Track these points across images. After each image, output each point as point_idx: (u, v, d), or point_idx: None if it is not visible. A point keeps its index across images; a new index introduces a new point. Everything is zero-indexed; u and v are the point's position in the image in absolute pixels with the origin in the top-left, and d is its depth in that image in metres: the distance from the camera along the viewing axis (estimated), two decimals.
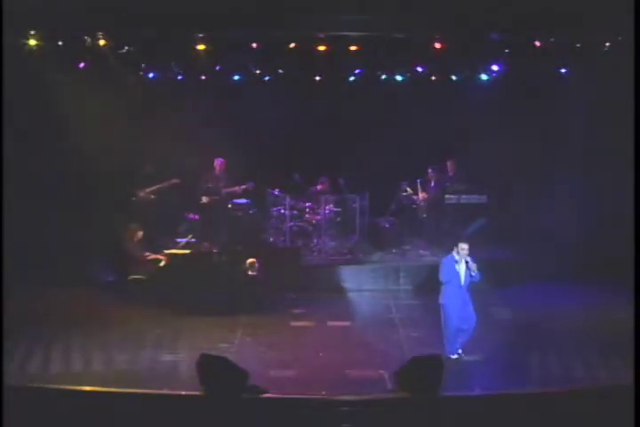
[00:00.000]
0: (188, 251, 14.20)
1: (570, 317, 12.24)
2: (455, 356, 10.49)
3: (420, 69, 15.18)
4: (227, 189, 15.69)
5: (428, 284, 13.88)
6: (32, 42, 13.20)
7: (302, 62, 14.40)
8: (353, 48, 13.82)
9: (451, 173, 15.97)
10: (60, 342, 10.99)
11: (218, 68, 14.99)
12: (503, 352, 10.75)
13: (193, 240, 14.83)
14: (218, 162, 15.72)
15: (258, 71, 15.19)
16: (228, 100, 15.91)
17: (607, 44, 13.56)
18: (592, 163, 15.07)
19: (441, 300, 10.47)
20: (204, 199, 15.65)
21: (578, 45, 13.77)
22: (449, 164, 15.97)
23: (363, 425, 7.97)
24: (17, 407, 7.78)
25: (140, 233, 13.96)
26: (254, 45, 13.80)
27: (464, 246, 10.31)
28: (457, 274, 10.38)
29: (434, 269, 14.56)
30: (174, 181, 15.45)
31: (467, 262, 10.28)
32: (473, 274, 10.30)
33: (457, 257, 10.36)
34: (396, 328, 11.91)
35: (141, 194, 15.46)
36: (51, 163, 14.56)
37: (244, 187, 15.64)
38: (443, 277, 10.38)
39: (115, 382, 8.82)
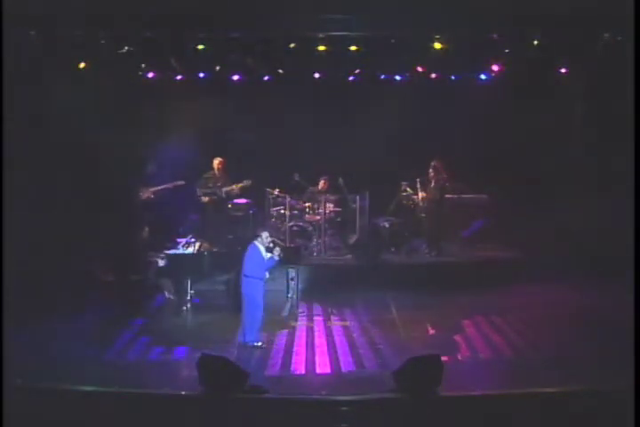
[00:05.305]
0: (187, 251, 14.18)
1: (570, 317, 12.23)
2: (261, 343, 10.81)
3: (420, 69, 15.18)
4: (225, 187, 15.70)
5: (428, 283, 13.96)
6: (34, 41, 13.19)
7: (302, 62, 14.41)
8: (353, 48, 13.84)
9: (435, 173, 15.91)
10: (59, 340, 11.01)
11: (218, 68, 15.00)
12: (503, 352, 10.75)
13: (193, 240, 14.81)
14: (216, 161, 15.72)
15: (258, 71, 15.20)
16: (228, 100, 15.90)
17: (606, 43, 13.54)
18: (592, 162, 15.06)
19: (245, 290, 10.83)
20: (204, 199, 15.65)
21: (578, 45, 13.77)
22: (433, 164, 15.93)
23: (362, 425, 7.97)
24: (17, 407, 7.78)
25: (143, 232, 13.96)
26: (254, 45, 13.81)
27: (265, 234, 10.89)
28: (261, 264, 10.77)
29: (434, 269, 14.73)
30: (179, 182, 15.43)
31: (270, 249, 10.81)
32: (276, 258, 10.85)
33: (260, 246, 10.79)
34: (396, 328, 11.90)
35: (146, 194, 15.46)
36: (50, 163, 14.52)
37: (241, 185, 15.64)
38: (249, 270, 10.76)
39: (115, 382, 8.80)
